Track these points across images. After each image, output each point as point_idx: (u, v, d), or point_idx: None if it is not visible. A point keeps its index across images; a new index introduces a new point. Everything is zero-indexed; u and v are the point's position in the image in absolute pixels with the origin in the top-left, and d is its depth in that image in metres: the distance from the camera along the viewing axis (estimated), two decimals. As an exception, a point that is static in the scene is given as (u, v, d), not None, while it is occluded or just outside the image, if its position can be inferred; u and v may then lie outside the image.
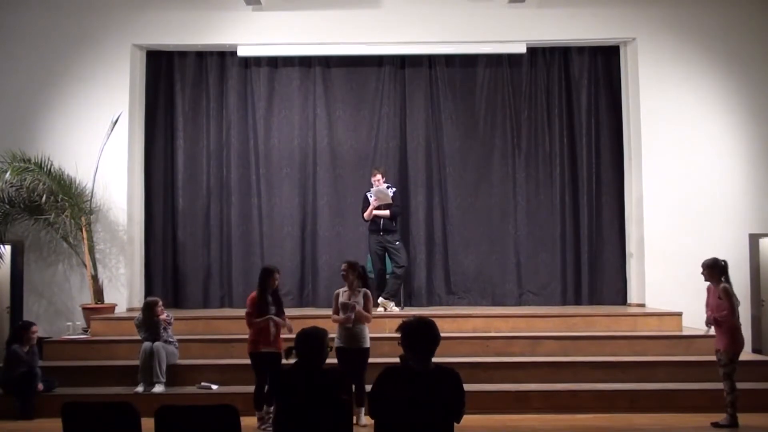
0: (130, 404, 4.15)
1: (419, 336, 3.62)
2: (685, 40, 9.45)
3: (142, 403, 4.46)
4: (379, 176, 8.95)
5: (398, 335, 3.68)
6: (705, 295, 6.42)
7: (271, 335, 6.39)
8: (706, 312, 6.35)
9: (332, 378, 3.95)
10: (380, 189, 8.77)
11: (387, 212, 8.84)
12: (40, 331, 7.58)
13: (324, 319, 7.88)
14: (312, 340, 4.02)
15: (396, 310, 8.63)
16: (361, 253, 9.41)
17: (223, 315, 8.94)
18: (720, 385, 6.85)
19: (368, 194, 9.01)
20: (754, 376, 7.22)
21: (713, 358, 7.21)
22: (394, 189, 9.10)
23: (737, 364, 6.18)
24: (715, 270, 6.26)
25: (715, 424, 6.18)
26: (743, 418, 6.27)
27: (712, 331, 6.39)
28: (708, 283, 6.37)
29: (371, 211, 8.84)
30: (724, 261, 6.31)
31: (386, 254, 8.95)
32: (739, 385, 6.93)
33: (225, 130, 10.04)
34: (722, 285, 6.20)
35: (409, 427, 3.48)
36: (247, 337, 8.03)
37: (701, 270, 6.35)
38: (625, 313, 8.64)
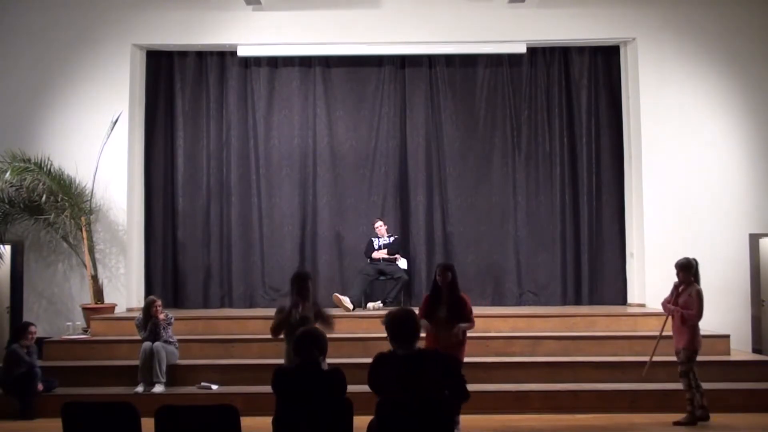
0: (130, 404, 4.14)
1: (399, 325, 3.93)
2: (685, 40, 9.45)
3: (142, 403, 4.45)
4: (380, 223, 9.30)
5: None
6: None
7: None
8: (666, 306, 6.32)
9: (332, 378, 3.96)
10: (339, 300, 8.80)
11: (385, 253, 9.18)
12: (40, 331, 7.59)
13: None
14: (309, 340, 4.02)
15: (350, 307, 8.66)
16: (360, 253, 9.44)
17: (223, 315, 8.94)
18: (720, 385, 6.89)
19: (373, 239, 9.30)
20: (754, 376, 7.24)
21: (712, 358, 7.25)
22: (395, 237, 9.36)
23: (694, 363, 6.21)
24: (691, 270, 6.27)
25: (677, 423, 6.20)
26: (743, 418, 6.29)
27: (669, 327, 6.36)
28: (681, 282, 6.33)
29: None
30: (695, 260, 6.33)
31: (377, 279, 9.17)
32: (739, 385, 6.97)
33: (225, 130, 10.04)
34: (697, 288, 6.20)
35: (404, 412, 3.70)
36: (246, 337, 8.07)
37: (676, 271, 6.32)
38: (625, 313, 8.64)
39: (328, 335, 4.26)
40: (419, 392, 3.72)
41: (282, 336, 5.77)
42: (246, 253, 9.92)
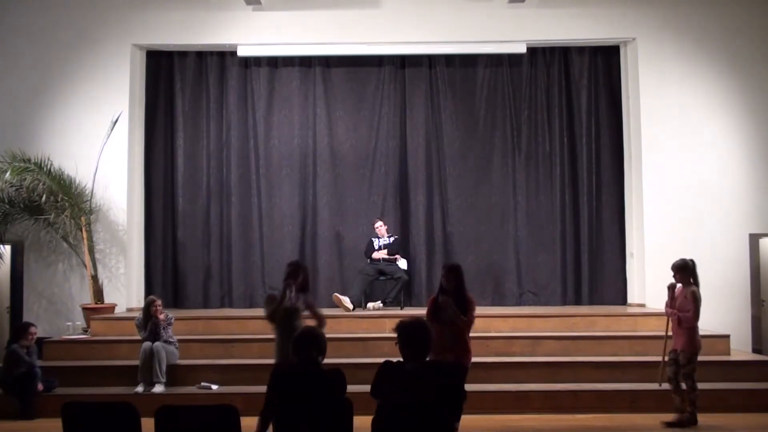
0: (130, 404, 4.14)
1: (413, 337, 3.79)
2: (685, 40, 9.45)
3: (142, 403, 4.44)
4: (380, 223, 9.29)
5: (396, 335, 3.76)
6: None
7: None
8: (666, 310, 6.31)
9: (332, 378, 3.95)
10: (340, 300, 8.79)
11: (385, 253, 9.19)
12: (40, 331, 7.59)
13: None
14: (309, 340, 4.02)
15: (349, 307, 8.66)
16: (360, 253, 9.44)
17: (223, 315, 8.94)
18: (720, 385, 6.88)
19: (373, 240, 9.31)
20: (754, 376, 7.24)
21: (712, 359, 7.25)
22: (395, 237, 9.38)
23: (696, 364, 6.16)
24: (687, 271, 6.23)
25: (676, 423, 6.19)
26: (743, 418, 6.28)
27: (670, 331, 6.37)
28: (677, 283, 6.27)
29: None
30: (692, 261, 6.28)
31: (377, 279, 9.17)
32: (739, 385, 6.96)
33: (225, 130, 10.04)
34: (691, 288, 6.16)
35: (405, 412, 3.63)
36: (246, 337, 8.02)
37: (672, 273, 6.27)
38: (625, 313, 8.64)
39: (328, 335, 4.26)
40: (420, 399, 3.67)
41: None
42: (246, 253, 9.92)
